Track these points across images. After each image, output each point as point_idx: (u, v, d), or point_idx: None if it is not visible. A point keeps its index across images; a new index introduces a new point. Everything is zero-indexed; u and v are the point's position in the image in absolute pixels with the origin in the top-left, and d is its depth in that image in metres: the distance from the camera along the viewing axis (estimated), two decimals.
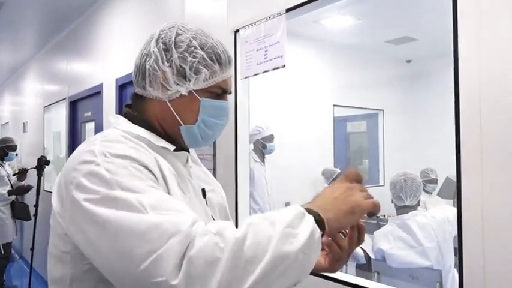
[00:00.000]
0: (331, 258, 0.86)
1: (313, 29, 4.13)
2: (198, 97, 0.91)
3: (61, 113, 4.88)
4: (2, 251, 4.46)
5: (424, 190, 3.62)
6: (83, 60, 4.34)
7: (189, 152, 1.00)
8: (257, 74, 1.98)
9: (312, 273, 0.75)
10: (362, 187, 0.79)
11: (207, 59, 0.91)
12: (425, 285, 2.28)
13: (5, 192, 4.52)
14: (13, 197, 4.63)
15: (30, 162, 4.86)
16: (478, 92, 1.20)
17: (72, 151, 0.85)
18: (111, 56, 3.60)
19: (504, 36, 1.16)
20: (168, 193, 0.81)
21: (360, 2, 3.36)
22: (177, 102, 0.92)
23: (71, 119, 4.54)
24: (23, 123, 6.52)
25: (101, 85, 3.70)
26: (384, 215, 3.51)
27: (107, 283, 0.74)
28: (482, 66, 1.20)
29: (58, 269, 0.84)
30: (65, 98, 4.68)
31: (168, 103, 0.92)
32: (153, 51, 0.91)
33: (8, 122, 7.75)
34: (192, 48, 0.90)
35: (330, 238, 0.82)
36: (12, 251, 5.20)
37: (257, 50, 1.97)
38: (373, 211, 0.77)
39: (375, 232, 2.57)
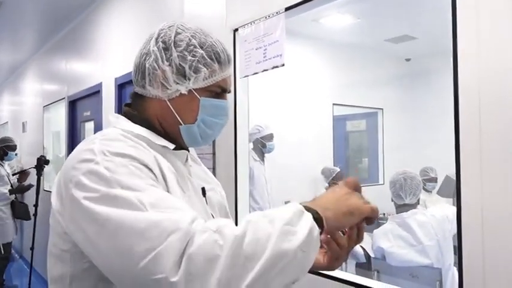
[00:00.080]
0: (330, 256, 0.86)
1: (312, 27, 4.13)
2: (198, 96, 0.91)
3: (60, 113, 4.88)
4: (2, 251, 4.46)
5: (424, 189, 3.63)
6: (82, 60, 4.33)
7: (188, 151, 1.00)
8: (256, 73, 1.98)
9: (311, 271, 0.75)
10: (361, 196, 0.80)
11: (207, 57, 0.91)
12: (425, 284, 2.29)
13: (6, 191, 4.53)
14: (13, 196, 4.64)
15: (30, 162, 4.86)
16: (478, 91, 1.20)
17: (72, 150, 0.85)
18: (110, 56, 3.60)
19: (504, 35, 1.16)
20: (168, 192, 0.82)
21: (359, 1, 3.36)
22: (176, 101, 0.92)
23: (70, 119, 4.54)
24: (23, 123, 6.52)
25: (100, 84, 3.70)
26: (384, 214, 3.51)
27: (107, 281, 0.74)
28: (482, 64, 1.20)
29: (58, 268, 0.84)
30: (64, 98, 4.68)
31: (168, 102, 0.92)
32: (153, 50, 0.91)
33: (7, 122, 7.74)
34: (192, 47, 0.91)
35: (329, 236, 0.83)
36: (12, 251, 5.20)
37: (256, 49, 1.97)
38: (371, 215, 0.78)
39: (374, 230, 2.57)
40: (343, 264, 1.15)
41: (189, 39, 0.91)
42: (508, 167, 1.14)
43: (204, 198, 0.97)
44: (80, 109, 4.44)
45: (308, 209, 0.72)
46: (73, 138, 4.49)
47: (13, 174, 4.94)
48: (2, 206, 4.51)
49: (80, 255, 0.78)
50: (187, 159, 0.99)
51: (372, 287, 1.59)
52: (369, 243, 2.59)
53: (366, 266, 2.61)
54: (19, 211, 4.63)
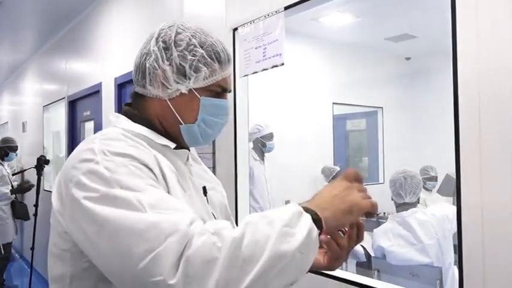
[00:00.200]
0: (330, 256, 0.86)
1: (312, 26, 4.12)
2: (198, 95, 0.92)
3: (60, 113, 4.88)
4: (2, 251, 4.47)
5: (424, 187, 3.63)
6: (82, 60, 4.33)
7: (189, 150, 1.00)
8: (256, 72, 1.98)
9: (311, 271, 0.75)
10: (361, 186, 0.79)
11: (207, 57, 0.91)
12: (425, 283, 2.29)
13: (7, 191, 4.54)
14: (13, 196, 4.64)
15: (30, 162, 4.87)
16: (477, 91, 1.20)
17: (72, 150, 0.85)
18: (109, 55, 3.60)
19: (503, 34, 1.16)
20: (168, 191, 0.82)
21: (359, 0, 3.36)
22: (177, 100, 0.92)
23: (70, 118, 4.54)
24: (23, 123, 6.52)
25: (99, 84, 3.70)
26: (384, 213, 3.51)
27: (107, 281, 0.74)
28: (482, 64, 1.20)
29: (58, 267, 0.84)
30: (64, 98, 4.68)
31: (168, 102, 0.92)
32: (153, 49, 0.91)
33: (7, 122, 7.74)
34: (192, 46, 0.91)
35: (329, 236, 0.82)
36: (13, 251, 5.21)
37: (256, 48, 1.97)
38: (371, 211, 0.77)
39: (374, 230, 2.57)
40: (344, 263, 1.15)
41: (189, 38, 0.91)
42: (508, 167, 1.14)
43: (205, 198, 0.97)
44: (79, 109, 4.44)
45: (307, 209, 0.72)
46: (73, 138, 4.49)
47: (13, 174, 4.95)
48: (2, 205, 4.52)
49: (80, 254, 0.78)
50: (188, 159, 0.99)
51: (373, 286, 1.59)
52: (369, 242, 2.59)
53: (366, 265, 2.61)
54: (19, 211, 4.65)
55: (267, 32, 1.92)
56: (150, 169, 0.80)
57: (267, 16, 1.92)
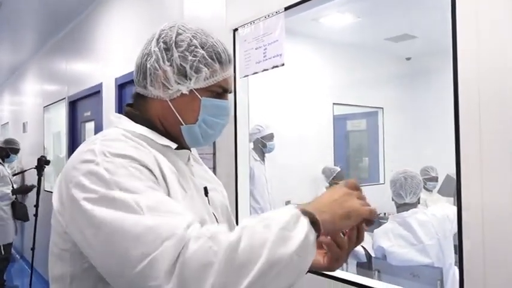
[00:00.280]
0: (330, 257, 0.86)
1: (312, 27, 4.12)
2: (199, 96, 0.92)
3: (61, 113, 4.88)
4: (3, 252, 4.47)
5: (425, 188, 3.63)
6: (82, 60, 4.33)
7: (190, 151, 1.00)
8: (256, 73, 1.98)
9: (311, 271, 0.75)
10: (361, 194, 0.80)
11: (208, 58, 0.91)
12: (426, 283, 2.29)
13: (8, 191, 4.55)
14: (14, 197, 4.65)
15: (30, 162, 4.87)
16: (477, 91, 1.20)
17: (72, 151, 0.85)
18: (110, 56, 3.60)
19: (503, 34, 1.16)
20: (168, 192, 0.82)
21: (359, 0, 3.36)
22: (178, 101, 0.92)
23: (71, 119, 4.54)
24: (23, 124, 6.52)
25: (100, 85, 3.70)
26: (384, 213, 3.51)
27: (107, 282, 0.74)
28: (482, 64, 1.20)
29: (58, 267, 0.84)
30: (64, 98, 4.68)
31: (169, 102, 0.92)
32: (154, 50, 0.92)
33: (7, 122, 7.75)
34: (193, 47, 0.91)
35: (329, 237, 0.82)
36: (13, 251, 5.21)
37: (256, 49, 1.97)
38: (369, 217, 0.78)
39: (375, 230, 2.57)
40: (344, 264, 1.15)
41: (190, 39, 0.91)
42: (508, 167, 1.14)
43: (206, 198, 0.97)
44: (80, 109, 4.45)
45: (305, 212, 0.72)
46: (73, 139, 4.49)
47: (13, 175, 4.95)
48: (3, 206, 4.52)
49: (80, 255, 0.78)
50: (189, 159, 0.99)
51: (373, 286, 1.59)
52: (369, 242, 2.59)
53: (366, 266, 2.61)
54: (19, 212, 4.65)
55: (267, 33, 1.92)
56: (151, 170, 0.80)
57: (267, 17, 1.92)
